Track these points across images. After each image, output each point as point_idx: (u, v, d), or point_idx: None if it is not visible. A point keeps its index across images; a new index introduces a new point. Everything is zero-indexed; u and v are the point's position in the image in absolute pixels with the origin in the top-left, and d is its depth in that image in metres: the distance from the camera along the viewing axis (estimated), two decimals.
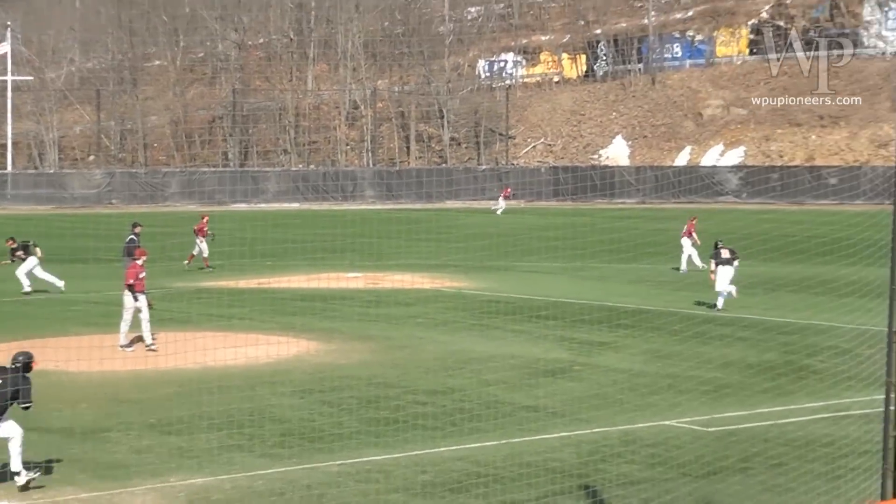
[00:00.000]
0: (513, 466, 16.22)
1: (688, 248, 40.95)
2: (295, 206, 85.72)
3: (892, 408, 11.32)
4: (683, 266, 40.70)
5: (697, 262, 40.08)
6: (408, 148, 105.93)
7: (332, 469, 16.18)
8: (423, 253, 48.25)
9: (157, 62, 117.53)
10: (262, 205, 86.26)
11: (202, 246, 42.14)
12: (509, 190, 79.56)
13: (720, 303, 31.11)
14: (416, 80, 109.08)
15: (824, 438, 17.32)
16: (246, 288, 36.73)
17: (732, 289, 31.13)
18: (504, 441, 17.67)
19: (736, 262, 31.17)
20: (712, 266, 31.43)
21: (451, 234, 57.36)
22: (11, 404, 15.63)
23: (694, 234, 41.03)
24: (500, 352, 25.47)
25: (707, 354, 24.72)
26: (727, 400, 20.45)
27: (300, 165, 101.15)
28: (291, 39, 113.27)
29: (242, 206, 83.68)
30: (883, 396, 11.97)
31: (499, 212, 74.96)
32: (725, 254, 31.37)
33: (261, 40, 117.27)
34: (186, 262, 42.18)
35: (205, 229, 42.19)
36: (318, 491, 15.21)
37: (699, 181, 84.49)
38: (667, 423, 18.77)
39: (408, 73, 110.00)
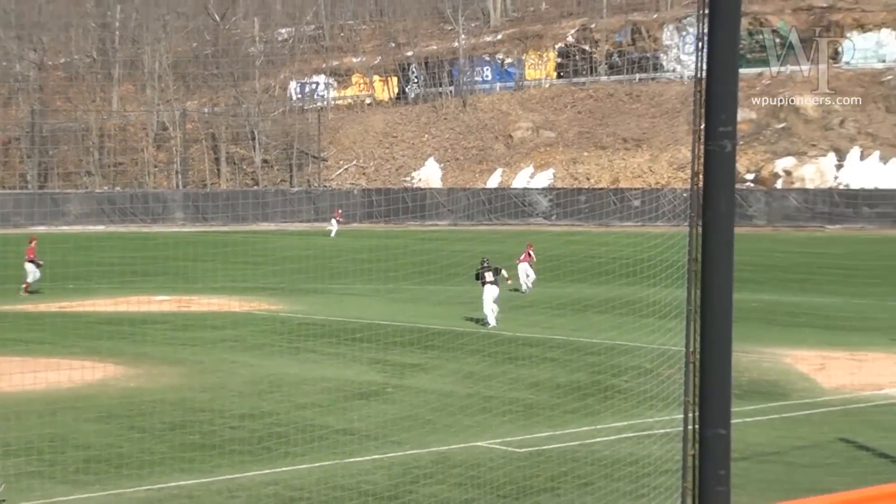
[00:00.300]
0: (325, 490, 16.10)
1: (524, 271, 41.75)
2: (100, 228, 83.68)
3: (689, 427, 11.57)
4: (525, 286, 41.51)
5: (527, 284, 41.17)
6: (219, 170, 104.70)
7: (139, 495, 15.80)
8: (236, 276, 47.67)
9: None
10: (64, 227, 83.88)
11: (29, 269, 40.59)
12: (340, 211, 79.13)
13: (492, 321, 32.44)
14: (227, 101, 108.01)
15: (629, 457, 17.64)
16: (46, 312, 35.65)
17: (495, 308, 32.64)
18: (317, 464, 17.53)
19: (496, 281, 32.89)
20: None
21: (264, 257, 56.84)
22: None
23: (532, 256, 41.88)
24: (314, 375, 25.29)
25: (517, 374, 25.02)
26: (537, 420, 20.69)
27: (105, 187, 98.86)
28: (95, 59, 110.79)
29: (41, 229, 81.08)
30: (682, 416, 12.26)
31: (332, 234, 74.54)
32: (489, 276, 32.72)
33: (62, 60, 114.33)
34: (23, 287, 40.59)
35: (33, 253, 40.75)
36: None
37: (510, 203, 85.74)
38: (478, 443, 18.88)
39: (218, 95, 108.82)
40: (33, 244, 41.29)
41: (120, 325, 32.68)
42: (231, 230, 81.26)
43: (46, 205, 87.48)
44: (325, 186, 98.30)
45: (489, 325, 32.37)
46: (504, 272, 34.32)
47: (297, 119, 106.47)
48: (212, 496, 15.81)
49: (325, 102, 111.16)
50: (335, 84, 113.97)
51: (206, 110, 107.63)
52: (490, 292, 32.56)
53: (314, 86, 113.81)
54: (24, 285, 40.64)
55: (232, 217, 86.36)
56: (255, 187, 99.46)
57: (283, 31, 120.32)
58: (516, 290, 41.66)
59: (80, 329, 32.34)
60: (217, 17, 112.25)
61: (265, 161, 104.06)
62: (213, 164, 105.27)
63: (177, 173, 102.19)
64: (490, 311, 32.60)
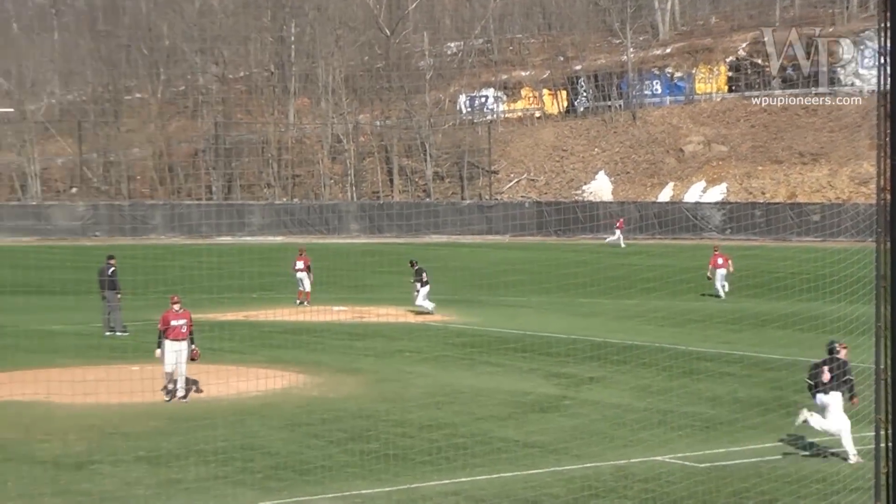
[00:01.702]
0: (505, 501, 16.22)
1: (719, 276, 42.91)
2: (279, 239, 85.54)
3: (882, 444, 11.38)
4: (721, 293, 42.73)
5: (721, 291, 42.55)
6: (391, 181, 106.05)
7: (324, 502, 16.13)
8: (409, 287, 48.17)
9: (139, 95, 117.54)
10: (247, 238, 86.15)
11: (305, 280, 42.12)
12: (622, 221, 78.45)
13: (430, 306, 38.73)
14: (398, 114, 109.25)
15: (816, 474, 17.34)
16: (233, 321, 36.64)
17: (430, 305, 38.80)
18: (496, 475, 17.65)
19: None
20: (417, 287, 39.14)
21: (436, 268, 57.28)
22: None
23: (729, 262, 42.94)
24: (489, 386, 25.46)
25: (694, 388, 24.77)
26: (716, 434, 20.48)
27: (284, 199, 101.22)
28: (272, 73, 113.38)
29: (227, 240, 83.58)
30: (873, 433, 12.04)
31: (622, 244, 74.30)
32: (425, 276, 39.11)
33: (242, 73, 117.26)
34: (298, 299, 41.90)
35: (308, 264, 42.31)
36: None
37: (682, 217, 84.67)
38: (658, 458, 18.77)
39: (389, 108, 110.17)
40: (303, 253, 42.79)
41: (300, 335, 33.40)
42: (403, 242, 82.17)
43: (231, 216, 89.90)
44: (497, 199, 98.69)
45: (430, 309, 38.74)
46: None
47: (468, 132, 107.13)
48: None
49: (495, 116, 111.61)
50: (504, 97, 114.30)
51: (378, 123, 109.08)
52: (426, 290, 39.02)
53: (483, 99, 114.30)
54: (301, 294, 41.99)
55: (405, 228, 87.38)
56: (427, 199, 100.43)
57: (452, 45, 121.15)
58: (715, 296, 42.59)
59: (264, 337, 33.21)
60: (387, 32, 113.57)
61: (436, 173, 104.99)
62: (385, 176, 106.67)
63: (351, 185, 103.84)
64: (427, 302, 38.87)
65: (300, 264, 42.63)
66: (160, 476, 17.41)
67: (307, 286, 42.42)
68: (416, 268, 39.61)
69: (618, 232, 75.65)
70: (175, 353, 22.80)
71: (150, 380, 23.14)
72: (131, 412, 22.06)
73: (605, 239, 76.95)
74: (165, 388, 22.78)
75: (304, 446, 19.59)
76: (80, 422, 21.21)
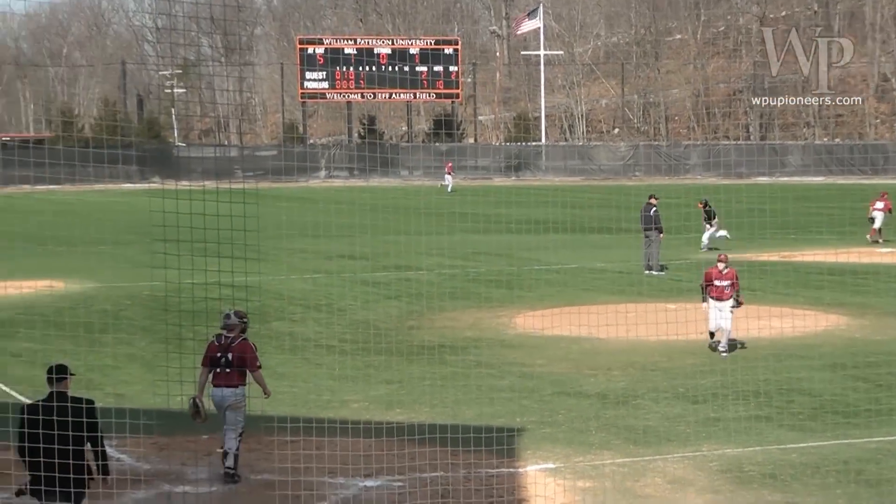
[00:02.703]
0: None
1: None
2: (819, 179, 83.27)
3: None
4: None
5: None
6: None
7: (870, 446, 15.66)
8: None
9: (679, 36, 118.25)
10: (784, 178, 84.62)
11: (878, 219, 41.91)
12: None
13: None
14: None
15: None
16: (769, 261, 36.03)
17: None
18: None
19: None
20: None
21: None
22: None
23: None
24: None
25: None
26: None
27: (825, 139, 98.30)
28: (815, 12, 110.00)
29: (763, 180, 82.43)
30: None
31: None
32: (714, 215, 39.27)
33: (783, 13, 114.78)
34: (869, 235, 41.70)
35: (889, 208, 42.02)
36: (854, 466, 14.71)
37: None
38: None
39: None
40: (885, 197, 42.22)
41: (841, 276, 32.33)
42: None
43: (768, 155, 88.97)
44: None
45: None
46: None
47: None
48: None
49: None
50: None
51: None
52: (714, 228, 39.14)
53: None
54: (874, 232, 41.62)
55: None
56: None
57: None
58: None
59: (802, 278, 32.51)
60: None
61: None
62: None
63: None
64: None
65: (880, 205, 41.75)
66: (699, 414, 17.46)
67: (878, 223, 41.54)
68: (707, 208, 39.47)
69: None
70: (717, 311, 22.30)
71: (686, 316, 23.08)
72: (670, 349, 22.15)
73: None
74: (710, 345, 22.63)
75: (849, 388, 19.02)
76: (622, 357, 21.68)
